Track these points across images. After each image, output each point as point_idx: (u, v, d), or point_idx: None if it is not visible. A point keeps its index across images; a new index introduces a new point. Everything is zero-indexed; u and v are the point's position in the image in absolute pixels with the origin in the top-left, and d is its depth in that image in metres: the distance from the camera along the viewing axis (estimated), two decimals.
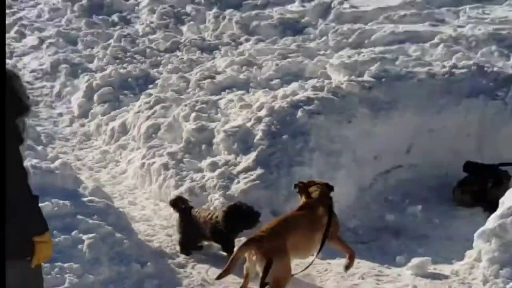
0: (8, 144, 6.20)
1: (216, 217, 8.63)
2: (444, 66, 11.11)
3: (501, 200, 8.89)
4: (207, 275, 8.46)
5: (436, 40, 12.50)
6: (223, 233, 8.63)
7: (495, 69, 11.03)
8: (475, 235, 8.51)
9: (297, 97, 10.40)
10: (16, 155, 6.14)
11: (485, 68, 10.94)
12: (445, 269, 8.55)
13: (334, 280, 8.41)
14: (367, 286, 8.35)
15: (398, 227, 9.47)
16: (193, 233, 8.87)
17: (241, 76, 11.73)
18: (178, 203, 8.94)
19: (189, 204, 8.99)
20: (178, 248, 8.97)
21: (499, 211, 8.65)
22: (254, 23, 13.53)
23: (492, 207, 8.99)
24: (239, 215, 8.64)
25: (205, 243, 8.80)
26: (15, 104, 6.14)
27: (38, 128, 11.29)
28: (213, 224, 8.65)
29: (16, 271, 6.24)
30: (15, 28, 13.42)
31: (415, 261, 8.54)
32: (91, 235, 8.32)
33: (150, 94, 11.51)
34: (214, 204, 9.43)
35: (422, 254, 8.77)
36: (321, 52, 12.54)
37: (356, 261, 8.54)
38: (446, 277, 8.43)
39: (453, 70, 10.88)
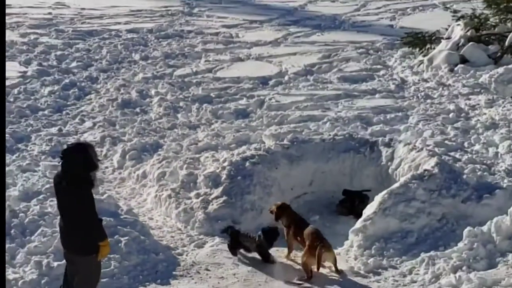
0: (84, 188, 6.94)
1: (259, 236, 8.76)
2: (330, 135, 11.41)
3: (364, 211, 9.43)
4: (195, 259, 8.95)
5: (325, 119, 12.92)
6: (264, 247, 8.81)
7: (359, 136, 11.39)
8: (349, 231, 9.18)
9: (245, 154, 10.71)
10: (89, 195, 6.94)
11: (353, 136, 11.22)
12: None
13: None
14: (288, 262, 8.82)
15: None
16: (239, 247, 8.97)
17: (213, 142, 12.15)
18: (228, 229, 9.09)
19: (236, 228, 9.12)
20: (178, 243, 9.34)
21: (362, 217, 9.27)
22: (220, 111, 13.96)
23: (358, 216, 9.51)
24: (272, 234, 8.80)
25: (249, 254, 8.95)
26: (89, 164, 6.98)
27: None
28: (257, 242, 8.79)
29: (87, 262, 7.07)
30: (79, 116, 13.78)
31: None
32: (126, 237, 8.90)
33: (159, 154, 11.76)
34: (199, 218, 9.73)
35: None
36: (259, 128, 12.91)
37: (281, 249, 9.02)
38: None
39: (335, 137, 11.13)
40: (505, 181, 9.67)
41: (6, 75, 12.05)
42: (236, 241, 8.96)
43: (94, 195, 7.05)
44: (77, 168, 6.92)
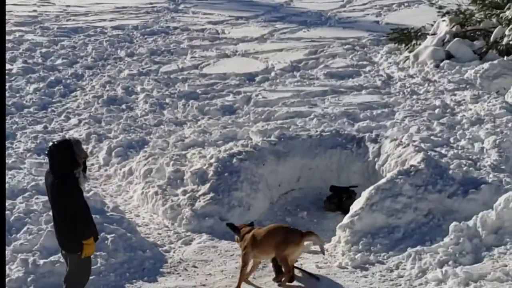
0: (69, 186, 6.95)
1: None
2: (317, 131, 11.48)
3: (351, 207, 9.47)
4: (182, 256, 8.98)
5: (312, 116, 12.96)
6: None
7: (346, 132, 11.43)
8: (337, 227, 9.21)
9: (232, 150, 10.79)
10: (74, 193, 6.99)
11: (340, 132, 11.31)
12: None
13: None
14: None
15: (293, 224, 9.57)
16: None
17: (199, 139, 12.14)
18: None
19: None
20: (165, 240, 9.33)
21: (349, 213, 9.31)
22: (206, 108, 13.94)
23: (346, 211, 9.57)
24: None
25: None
26: (72, 161, 6.95)
27: None
28: None
29: (73, 259, 7.15)
30: (64, 113, 13.74)
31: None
32: (112, 235, 8.90)
33: (146, 151, 11.81)
34: (186, 214, 9.73)
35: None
36: (246, 124, 12.92)
37: None
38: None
39: (322, 133, 11.22)
40: (491, 176, 9.75)
41: None
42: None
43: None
44: (61, 165, 6.95)
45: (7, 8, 21.62)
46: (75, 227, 6.97)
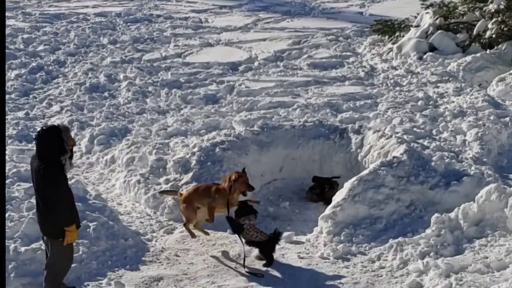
0: (54, 171, 6.95)
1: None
2: (300, 121, 11.46)
3: (333, 198, 9.46)
4: (164, 245, 8.95)
5: (295, 106, 12.99)
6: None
7: (329, 123, 11.39)
8: (319, 218, 9.19)
9: (215, 140, 10.74)
10: (57, 178, 6.99)
11: (323, 123, 11.26)
12: (302, 238, 9.08)
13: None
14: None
15: (275, 214, 9.98)
16: None
17: (182, 128, 12.14)
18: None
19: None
20: (147, 229, 9.30)
21: (332, 204, 9.28)
22: (189, 97, 13.91)
23: (328, 202, 9.53)
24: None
25: None
26: (59, 148, 6.91)
27: None
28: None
29: (55, 246, 7.16)
30: (46, 100, 13.64)
31: (285, 234, 8.98)
32: (94, 223, 8.85)
33: (128, 139, 11.71)
34: (168, 203, 9.66)
35: (290, 230, 9.28)
36: (229, 114, 12.94)
37: None
38: (303, 242, 8.95)
39: (305, 123, 11.15)
40: (473, 168, 9.79)
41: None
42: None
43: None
44: (48, 150, 6.92)
45: None
46: (58, 213, 6.96)
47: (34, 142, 7.11)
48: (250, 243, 8.45)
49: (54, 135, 6.97)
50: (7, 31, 18.15)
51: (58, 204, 6.96)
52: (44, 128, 7.22)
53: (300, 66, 15.80)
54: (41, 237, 7.53)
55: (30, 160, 7.21)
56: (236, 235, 8.54)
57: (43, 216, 7.11)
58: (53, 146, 6.93)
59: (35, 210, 7.60)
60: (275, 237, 8.41)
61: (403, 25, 17.18)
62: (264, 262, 8.38)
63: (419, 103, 12.94)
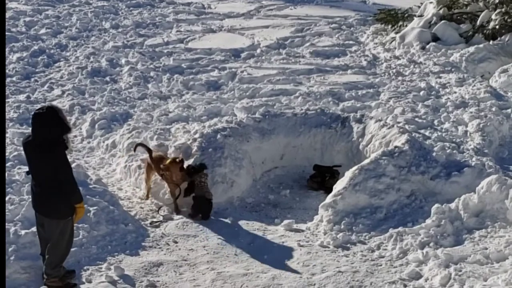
0: (59, 151, 6.97)
1: None
2: (301, 109, 11.48)
3: (334, 187, 9.46)
4: (164, 230, 8.96)
5: (297, 94, 12.93)
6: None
7: (330, 111, 11.41)
8: (319, 206, 9.19)
9: (217, 126, 10.72)
10: (64, 157, 6.91)
11: (325, 111, 11.27)
12: (302, 226, 9.07)
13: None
14: (257, 236, 8.85)
15: (276, 202, 9.99)
16: None
17: (184, 114, 12.11)
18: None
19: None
20: (148, 214, 9.26)
21: (332, 193, 9.28)
22: (191, 83, 13.85)
23: (329, 191, 9.53)
24: None
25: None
26: (62, 126, 6.91)
27: None
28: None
29: (61, 226, 7.19)
30: (47, 84, 13.61)
31: (285, 221, 9.06)
32: (95, 207, 8.86)
33: (129, 124, 11.71)
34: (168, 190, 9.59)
35: (290, 218, 9.31)
36: (231, 100, 12.88)
37: (251, 222, 9.13)
38: (303, 231, 8.94)
39: (307, 111, 11.19)
40: (474, 159, 9.80)
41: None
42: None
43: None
44: (50, 131, 6.89)
45: None
46: (72, 192, 7.02)
47: (31, 125, 7.04)
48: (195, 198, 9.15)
49: (54, 116, 6.95)
50: (9, 13, 18.14)
51: (70, 183, 7.03)
52: (41, 108, 7.12)
53: (302, 54, 15.77)
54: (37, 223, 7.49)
55: (23, 145, 7.17)
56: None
57: (47, 198, 7.06)
58: (56, 126, 6.92)
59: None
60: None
61: (406, 15, 17.16)
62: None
63: (421, 93, 12.92)
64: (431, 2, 16.79)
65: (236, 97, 13.09)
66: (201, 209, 9.18)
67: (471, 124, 11.25)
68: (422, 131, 10.91)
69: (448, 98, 12.63)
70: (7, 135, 11.13)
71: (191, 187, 9.21)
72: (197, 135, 10.46)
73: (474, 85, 13.15)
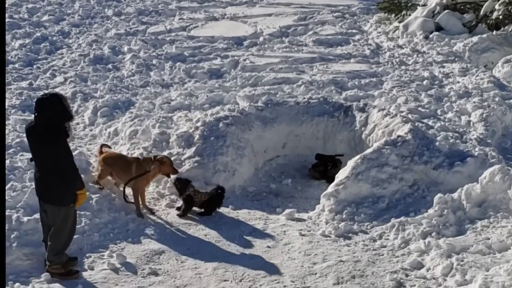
0: (61, 139, 6.97)
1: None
2: (304, 98, 11.47)
3: (336, 176, 9.46)
4: (166, 218, 8.92)
5: (299, 82, 12.90)
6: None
7: (333, 100, 11.43)
8: (321, 196, 9.20)
9: (219, 115, 10.71)
10: (66, 145, 6.91)
11: (328, 100, 11.29)
12: (304, 215, 9.07)
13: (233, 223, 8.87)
14: (259, 225, 8.83)
15: (277, 191, 9.99)
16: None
17: (186, 102, 12.07)
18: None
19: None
20: (150, 203, 9.20)
21: (334, 182, 9.29)
22: (193, 71, 13.84)
23: (331, 180, 9.57)
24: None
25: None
26: (65, 113, 6.91)
27: None
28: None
29: (63, 212, 7.19)
30: (50, 71, 13.59)
31: (287, 211, 9.06)
32: (97, 195, 8.90)
33: (132, 112, 11.69)
34: (171, 178, 9.38)
35: (291, 207, 9.32)
36: (233, 89, 12.83)
37: (252, 211, 9.12)
38: (305, 220, 8.94)
39: (309, 100, 11.22)
40: (477, 149, 9.80)
41: None
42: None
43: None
44: (52, 118, 6.90)
45: None
46: (74, 179, 7.04)
47: (34, 110, 7.05)
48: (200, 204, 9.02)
49: (57, 103, 6.96)
50: (12, 0, 18.08)
51: (72, 171, 7.05)
52: (45, 95, 7.14)
53: (305, 42, 15.76)
54: (40, 209, 7.50)
55: (26, 131, 7.17)
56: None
57: (49, 184, 7.07)
58: (58, 113, 6.92)
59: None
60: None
61: (410, 4, 17.18)
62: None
63: (425, 82, 12.90)
64: None
65: (238, 86, 13.06)
66: (215, 204, 9.04)
67: (474, 114, 11.23)
68: (425, 120, 10.89)
69: (452, 87, 12.62)
70: (9, 122, 11.13)
71: (190, 200, 8.98)
72: (199, 124, 10.45)
73: (478, 75, 13.12)
